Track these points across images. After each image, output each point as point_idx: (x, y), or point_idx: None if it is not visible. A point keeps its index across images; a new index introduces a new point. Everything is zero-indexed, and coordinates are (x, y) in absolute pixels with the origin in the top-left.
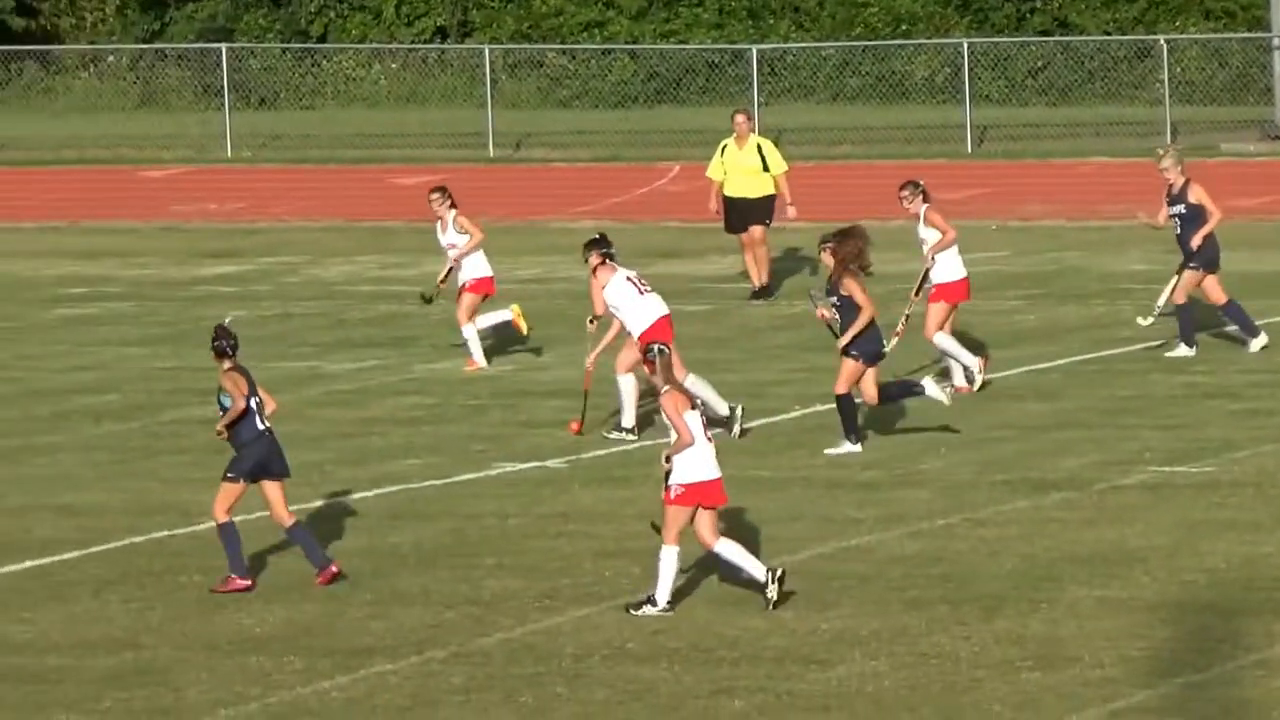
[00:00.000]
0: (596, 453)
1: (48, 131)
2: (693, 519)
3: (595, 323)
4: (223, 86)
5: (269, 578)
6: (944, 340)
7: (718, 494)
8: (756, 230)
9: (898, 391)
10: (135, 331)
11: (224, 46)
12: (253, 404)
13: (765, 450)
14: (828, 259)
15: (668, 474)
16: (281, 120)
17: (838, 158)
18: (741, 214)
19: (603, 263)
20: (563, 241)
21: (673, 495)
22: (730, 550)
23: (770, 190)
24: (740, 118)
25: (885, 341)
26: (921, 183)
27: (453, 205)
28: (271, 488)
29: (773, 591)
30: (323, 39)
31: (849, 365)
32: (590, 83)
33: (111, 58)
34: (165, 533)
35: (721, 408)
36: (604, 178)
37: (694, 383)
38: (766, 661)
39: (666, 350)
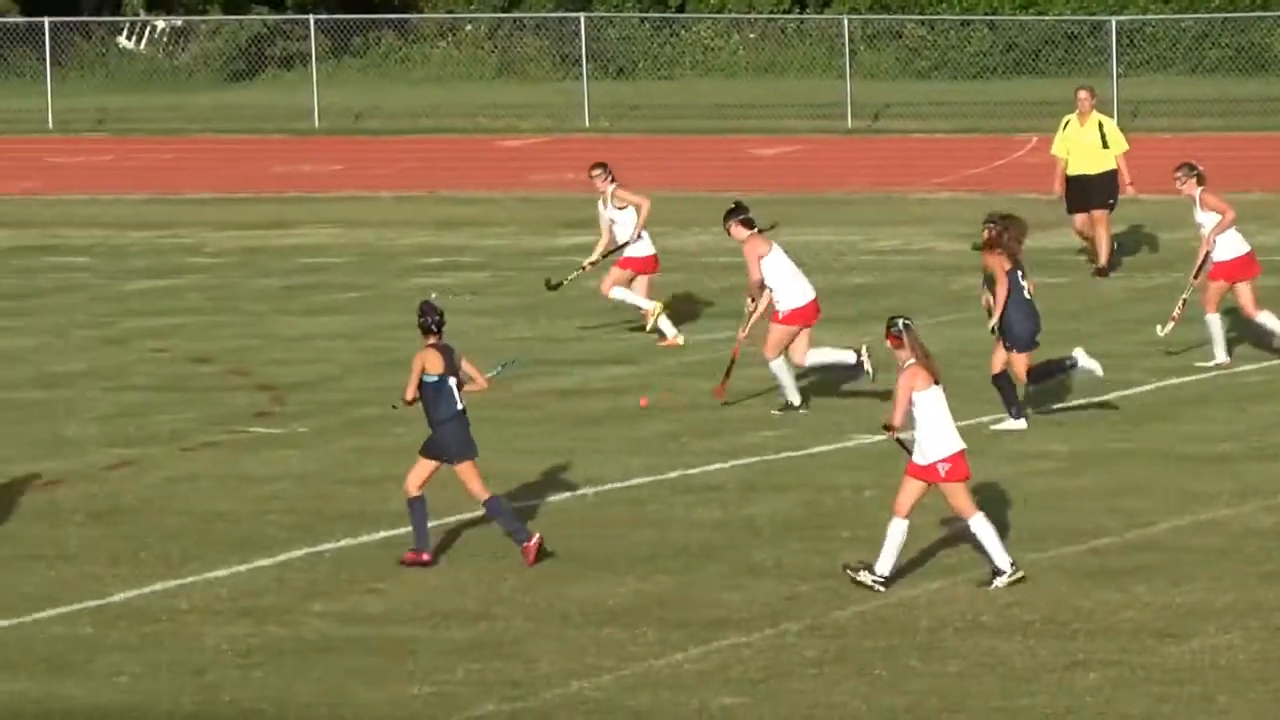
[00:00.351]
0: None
1: (405, 101)
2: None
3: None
4: (581, 56)
5: (621, 549)
6: (1212, 321)
7: (964, 466)
8: (1098, 213)
9: (1049, 370)
10: (490, 301)
11: (582, 16)
12: (450, 383)
13: (1122, 422)
14: (989, 236)
15: (904, 446)
16: (639, 90)
17: (1197, 130)
18: (1082, 192)
19: (756, 232)
20: (920, 212)
21: (942, 473)
22: (983, 528)
23: (1110, 166)
24: (1083, 94)
25: (1162, 327)
26: (1198, 165)
27: (612, 179)
28: (464, 467)
29: (1003, 581)
30: (681, 8)
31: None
32: (949, 53)
33: (470, 27)
34: (520, 504)
35: (848, 356)
36: (961, 149)
37: (816, 354)
38: (1121, 634)
39: (911, 323)
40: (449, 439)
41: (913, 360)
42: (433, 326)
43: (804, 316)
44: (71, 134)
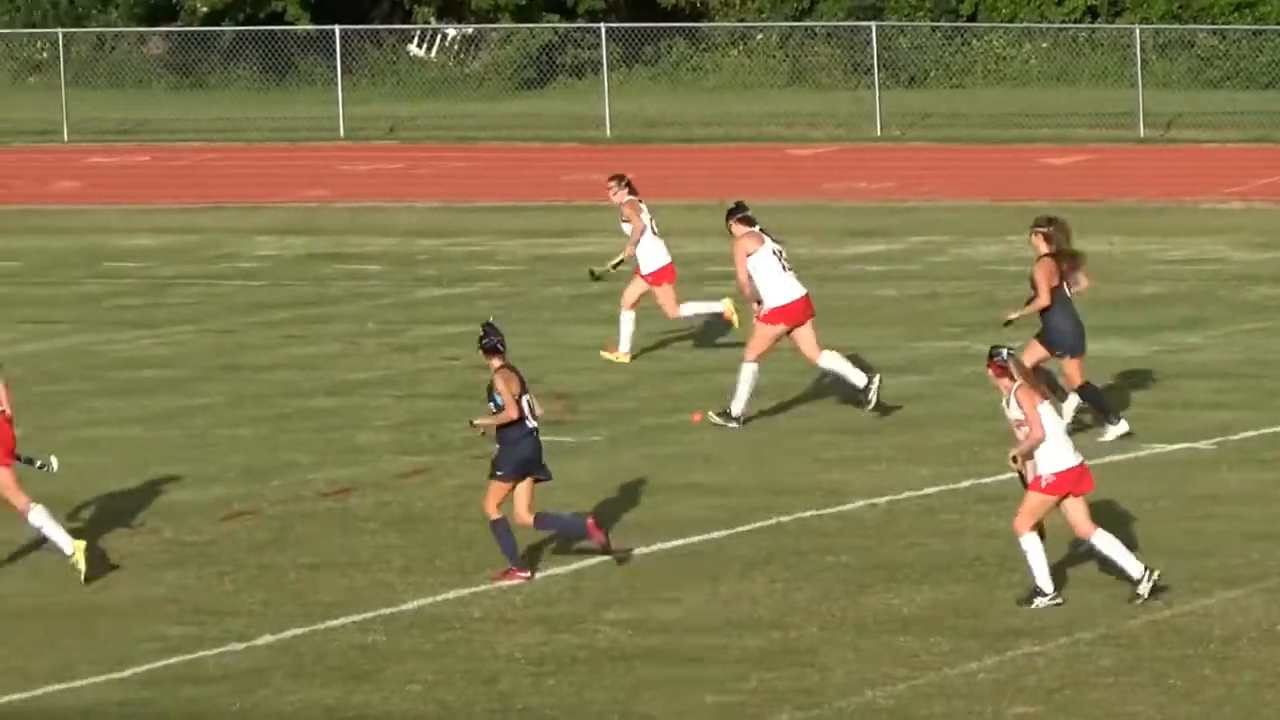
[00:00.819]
0: (1246, 434)
1: (696, 109)
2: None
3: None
4: (872, 64)
5: (915, 559)
6: None
7: (1086, 480)
8: None
9: (1100, 403)
10: None
11: (874, 25)
12: (524, 404)
13: None
14: (1038, 243)
15: (1019, 474)
16: (930, 99)
17: None
18: None
19: (750, 230)
20: (1213, 222)
21: (1044, 484)
22: (1107, 542)
23: None
24: None
25: None
26: None
27: (631, 192)
28: (525, 486)
29: (1144, 588)
30: (973, 17)
31: (1034, 346)
32: (1241, 63)
33: (761, 35)
34: (810, 512)
35: (858, 379)
36: (1255, 159)
37: (829, 358)
38: None
39: (1015, 351)
40: (522, 457)
41: (1022, 380)
42: (498, 347)
43: (786, 315)
44: (362, 142)
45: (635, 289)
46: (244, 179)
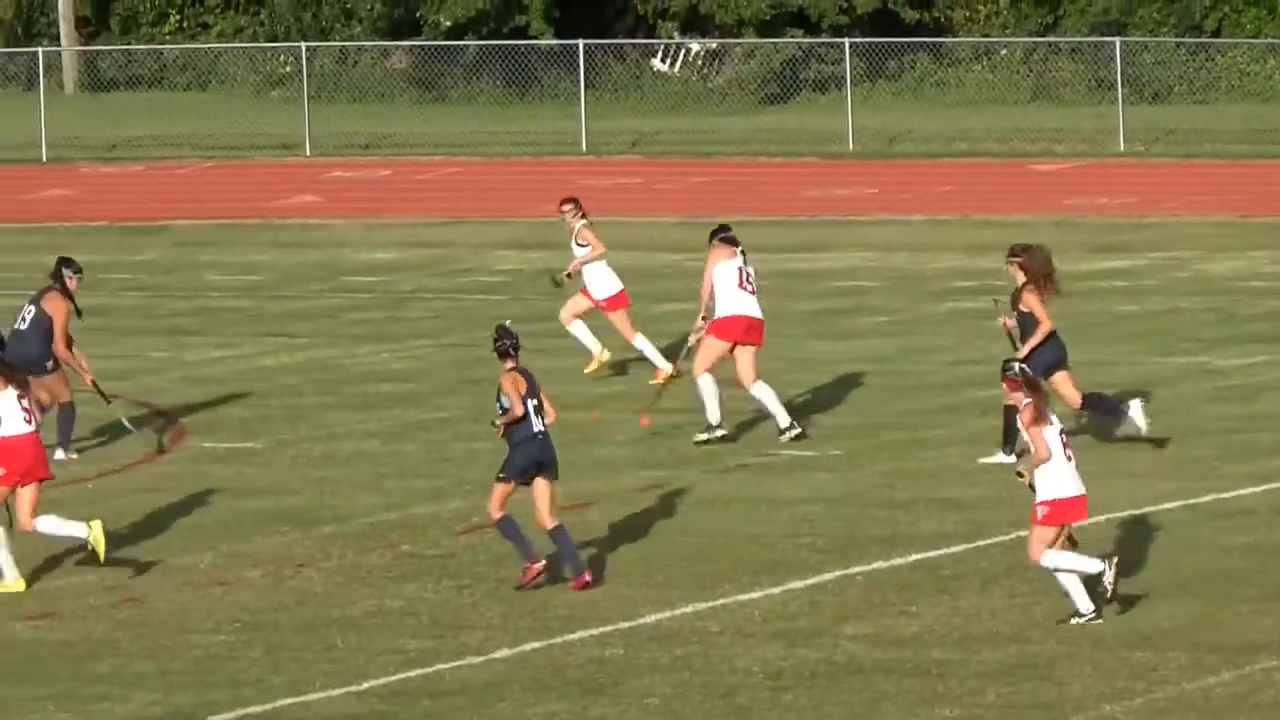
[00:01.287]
0: None
1: (939, 124)
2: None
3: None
4: (1116, 80)
5: (1153, 573)
6: None
7: (1080, 510)
8: None
9: (1104, 406)
10: None
11: (1118, 40)
12: (529, 406)
13: None
14: (1015, 272)
15: (1030, 486)
16: (1174, 114)
17: None
18: None
19: (722, 245)
20: None
21: (1039, 515)
22: (1060, 561)
23: None
24: None
25: None
26: None
27: (582, 216)
28: (540, 487)
29: (1080, 622)
30: (1216, 33)
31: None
32: None
33: (1004, 50)
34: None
35: (782, 419)
36: None
37: (760, 389)
38: None
39: (1026, 367)
40: (527, 459)
41: (1029, 400)
42: (510, 350)
43: (728, 332)
44: (604, 156)
45: (580, 305)
46: (485, 193)
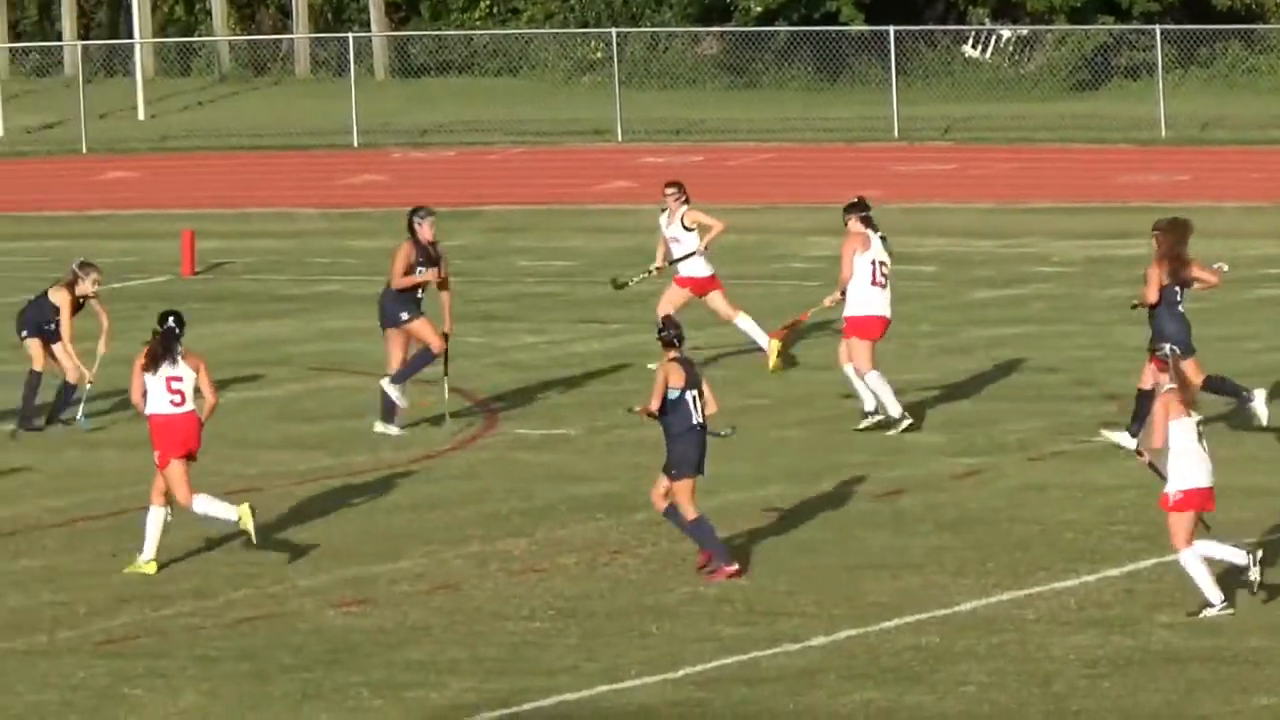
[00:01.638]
0: None
1: (1252, 111)
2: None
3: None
4: None
5: None
6: None
7: (1208, 501)
8: None
9: (1226, 388)
10: None
11: None
12: (688, 397)
13: None
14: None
15: (1150, 465)
16: None
17: None
18: None
19: (859, 227)
20: None
21: (1170, 501)
22: (1201, 555)
23: None
24: None
25: None
26: None
27: (685, 200)
28: (681, 484)
29: (1212, 613)
30: None
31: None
32: None
33: None
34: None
35: (869, 403)
36: None
37: (875, 379)
38: None
39: (1179, 351)
40: (680, 453)
41: (1172, 387)
42: (674, 340)
43: (870, 331)
44: (916, 143)
45: (678, 296)
46: (797, 179)
